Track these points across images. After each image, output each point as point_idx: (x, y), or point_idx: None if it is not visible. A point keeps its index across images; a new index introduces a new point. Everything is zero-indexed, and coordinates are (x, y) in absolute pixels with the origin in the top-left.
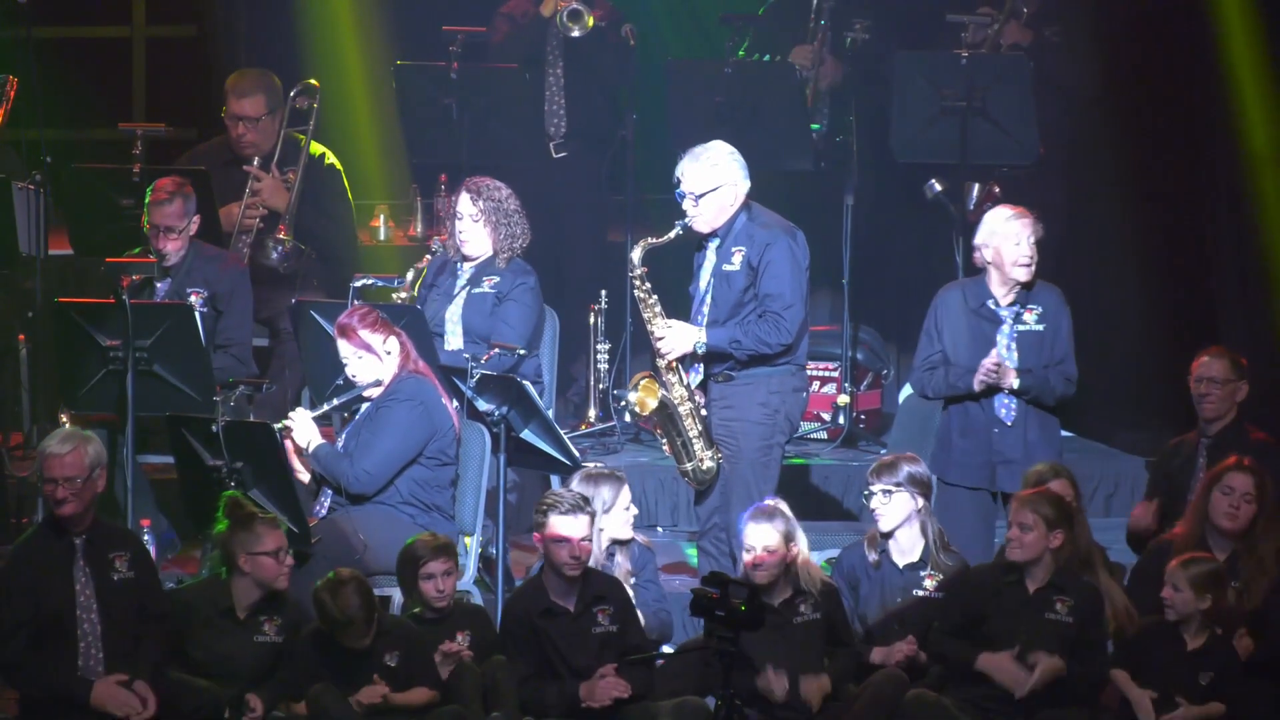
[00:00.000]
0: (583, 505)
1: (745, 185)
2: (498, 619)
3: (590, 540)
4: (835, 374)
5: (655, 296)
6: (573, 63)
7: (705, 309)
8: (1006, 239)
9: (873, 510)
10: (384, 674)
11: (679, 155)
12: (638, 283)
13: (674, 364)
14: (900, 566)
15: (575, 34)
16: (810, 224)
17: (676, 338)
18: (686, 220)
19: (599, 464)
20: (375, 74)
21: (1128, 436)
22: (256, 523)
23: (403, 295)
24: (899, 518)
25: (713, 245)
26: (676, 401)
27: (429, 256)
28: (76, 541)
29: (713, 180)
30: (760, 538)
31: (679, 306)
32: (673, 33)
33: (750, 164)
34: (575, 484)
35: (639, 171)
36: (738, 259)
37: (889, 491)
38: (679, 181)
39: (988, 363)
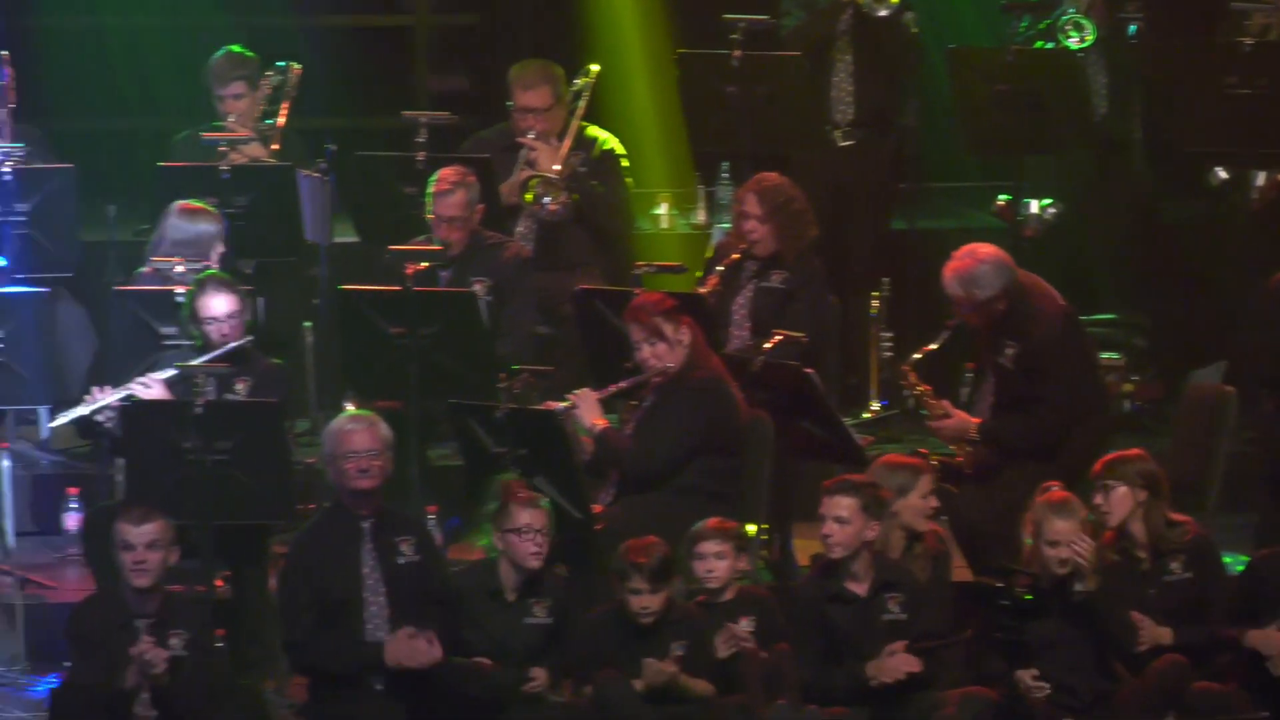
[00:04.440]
0: None
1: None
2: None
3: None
4: (1119, 363)
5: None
6: (861, 49)
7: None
8: None
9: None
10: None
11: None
12: (912, 382)
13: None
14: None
15: (882, 13)
16: (1092, 211)
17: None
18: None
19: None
20: (657, 62)
21: None
22: (509, 500)
23: (706, 288)
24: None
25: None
26: None
27: (735, 253)
28: (364, 525)
29: (991, 290)
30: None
31: None
32: (954, 19)
33: (1032, 150)
34: (874, 472)
35: (921, 159)
36: (1010, 352)
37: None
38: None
39: None
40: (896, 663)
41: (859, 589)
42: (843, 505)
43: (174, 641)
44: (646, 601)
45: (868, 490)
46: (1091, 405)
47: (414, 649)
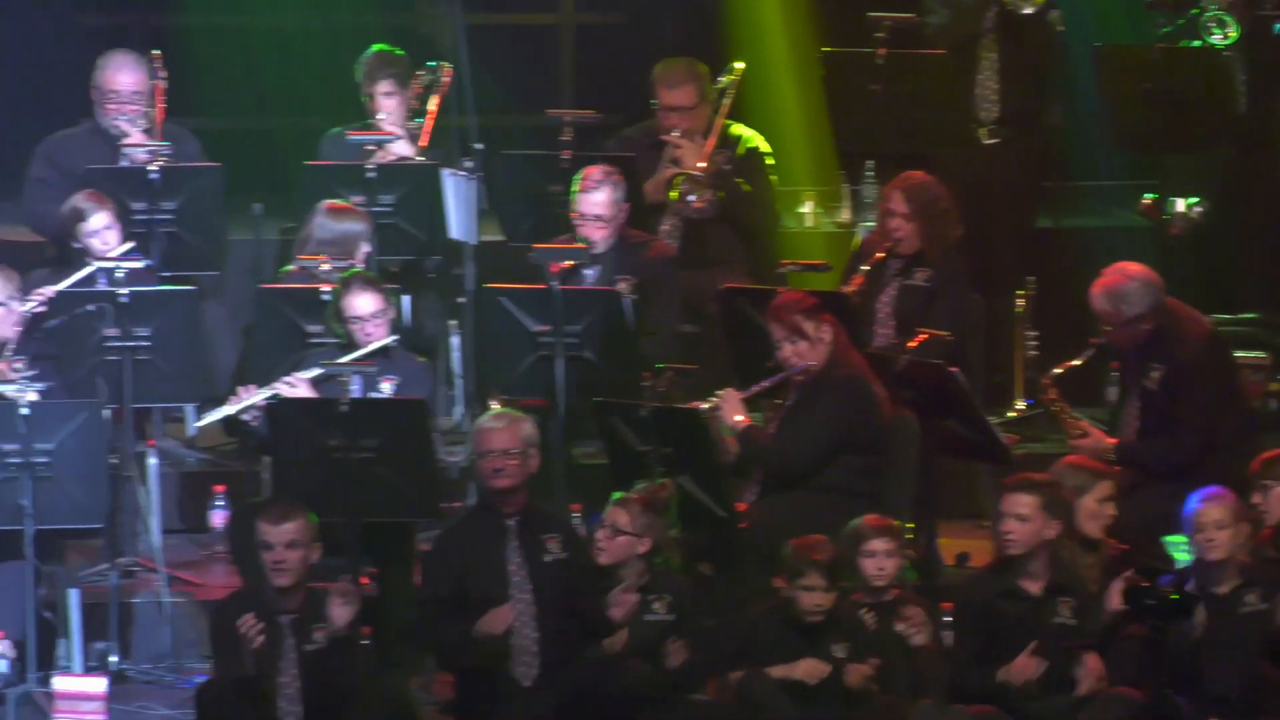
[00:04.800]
0: None
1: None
2: None
3: None
4: (1264, 361)
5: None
6: (1006, 47)
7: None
8: None
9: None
10: (832, 664)
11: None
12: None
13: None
14: None
15: (1027, 10)
16: (1233, 209)
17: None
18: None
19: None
20: (802, 60)
21: None
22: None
23: (850, 287)
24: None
25: None
26: None
27: (880, 251)
28: (509, 523)
29: (1139, 308)
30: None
31: None
32: (1097, 16)
33: (1176, 149)
34: (1055, 471)
35: (1066, 157)
36: (1155, 375)
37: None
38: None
39: None
40: (1023, 665)
41: (1032, 588)
42: (1023, 503)
43: (317, 636)
44: (820, 600)
45: (1049, 489)
46: (1234, 430)
47: (500, 615)
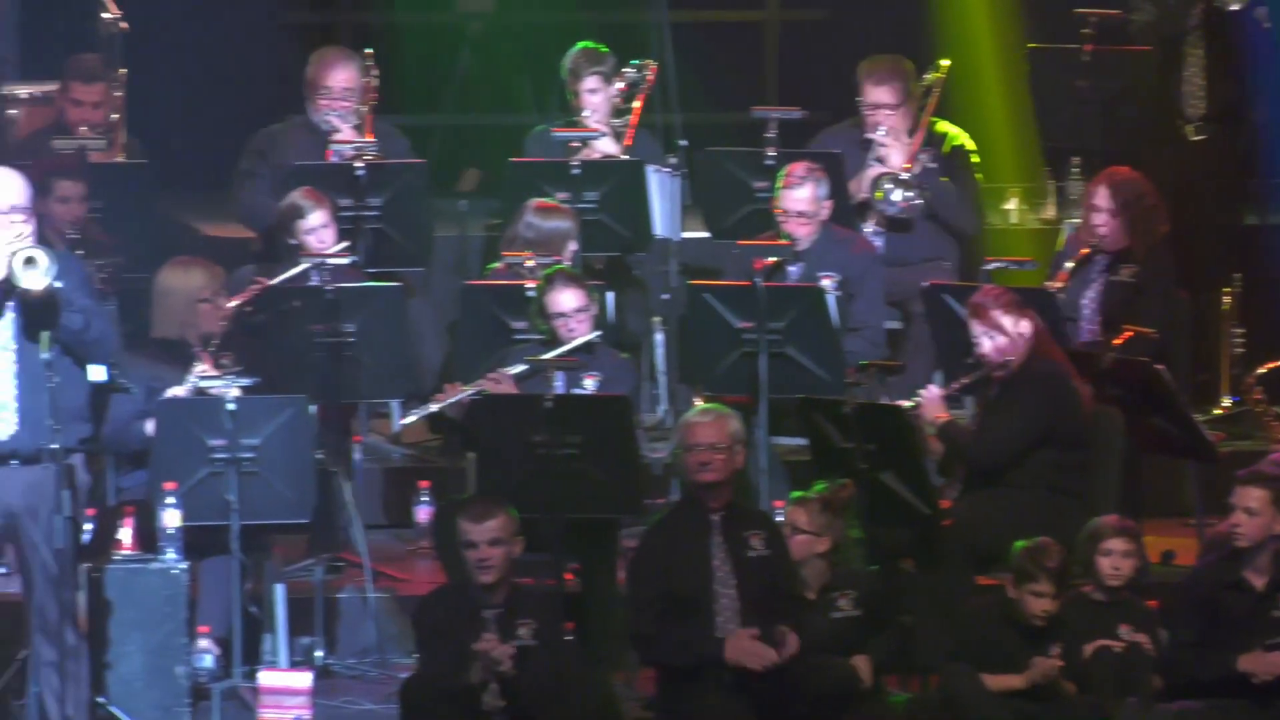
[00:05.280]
0: None
1: None
2: None
3: None
4: None
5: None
6: (1213, 43)
7: None
8: None
9: None
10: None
11: None
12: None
13: None
14: None
15: (1234, 7)
16: None
17: None
18: None
19: None
20: (1008, 56)
21: None
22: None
23: (1055, 283)
24: None
25: None
26: None
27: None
28: (713, 518)
29: None
30: None
31: None
32: None
33: None
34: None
35: (1273, 154)
36: None
37: None
38: None
39: None
40: (1276, 659)
41: (1257, 581)
42: (1253, 496)
43: (522, 631)
44: (1047, 605)
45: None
46: None
47: (752, 650)
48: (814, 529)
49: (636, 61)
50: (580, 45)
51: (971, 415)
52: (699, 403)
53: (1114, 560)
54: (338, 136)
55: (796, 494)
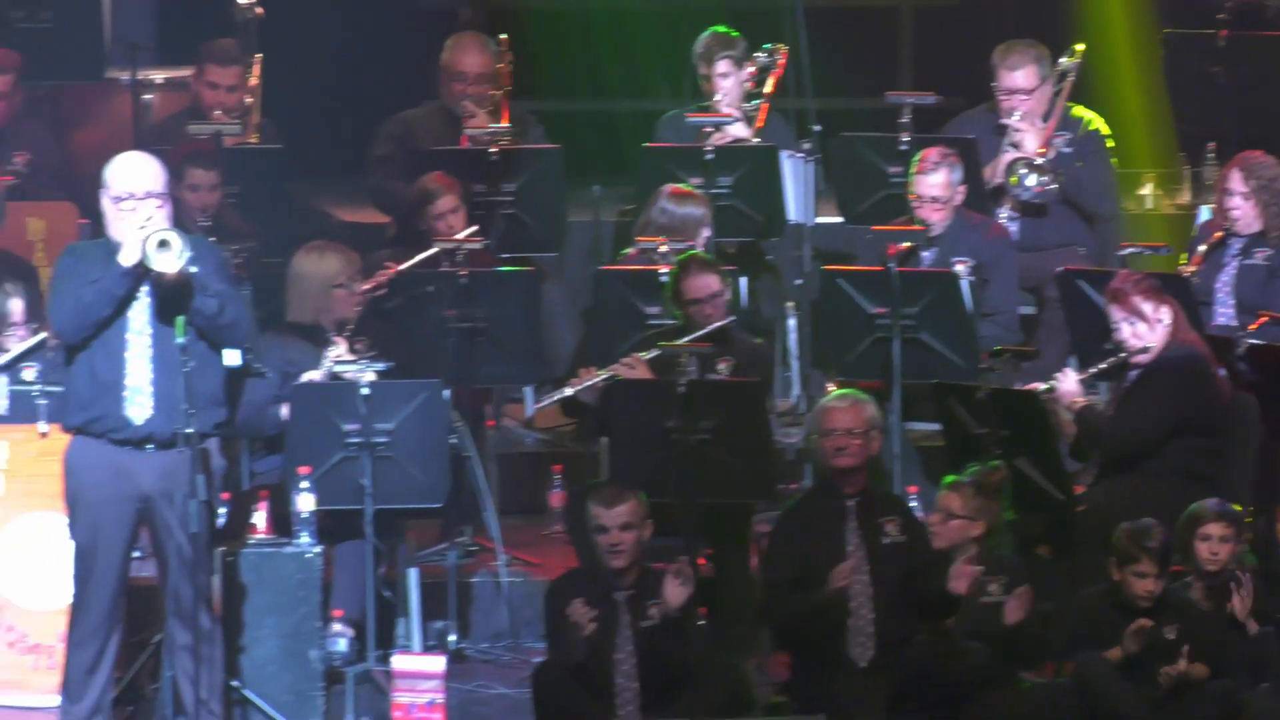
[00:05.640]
0: None
1: None
2: None
3: None
4: None
5: None
6: None
7: None
8: None
9: None
10: (1159, 645)
11: None
12: None
13: None
14: None
15: None
16: None
17: None
18: None
19: None
20: (1143, 41)
21: None
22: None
23: (1190, 269)
24: None
25: None
26: None
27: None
28: (848, 505)
29: None
30: None
31: None
32: None
33: None
34: None
35: None
36: None
37: None
38: None
39: None
40: None
41: None
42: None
43: (652, 613)
44: (1151, 586)
45: None
46: None
47: (845, 572)
48: (968, 513)
49: (768, 46)
50: (711, 29)
51: (1106, 401)
52: (832, 388)
53: (1212, 545)
54: (472, 122)
55: (949, 478)
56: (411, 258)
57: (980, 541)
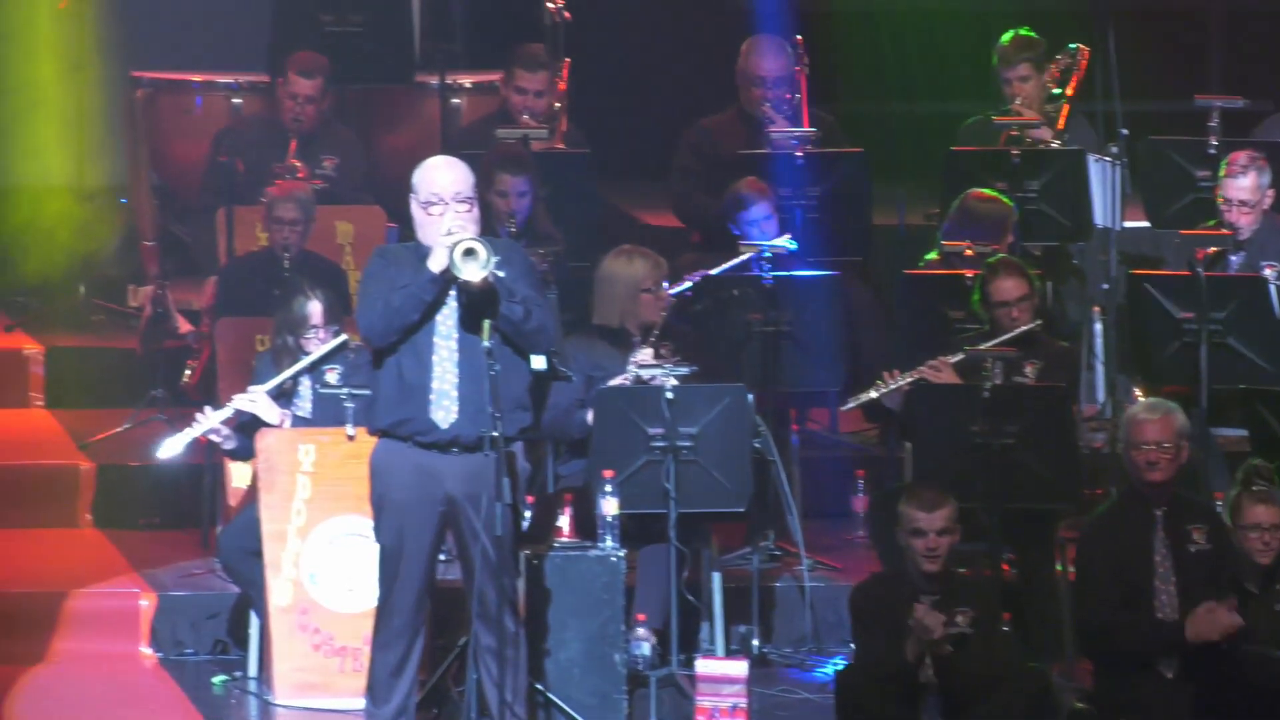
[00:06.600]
0: None
1: None
2: None
3: None
4: None
5: None
6: None
7: None
8: None
9: None
10: None
11: None
12: None
13: None
14: None
15: None
16: None
17: None
18: None
19: None
20: None
21: None
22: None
23: None
24: None
25: None
26: None
27: None
28: (1156, 513)
29: None
30: None
31: None
32: None
33: None
34: None
35: None
36: None
37: None
38: None
39: None
40: None
41: None
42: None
43: (960, 619)
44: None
45: None
46: None
47: (1212, 620)
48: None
49: (1072, 46)
50: (1013, 32)
51: None
52: (1140, 395)
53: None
54: (774, 127)
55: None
56: (717, 263)
57: None
